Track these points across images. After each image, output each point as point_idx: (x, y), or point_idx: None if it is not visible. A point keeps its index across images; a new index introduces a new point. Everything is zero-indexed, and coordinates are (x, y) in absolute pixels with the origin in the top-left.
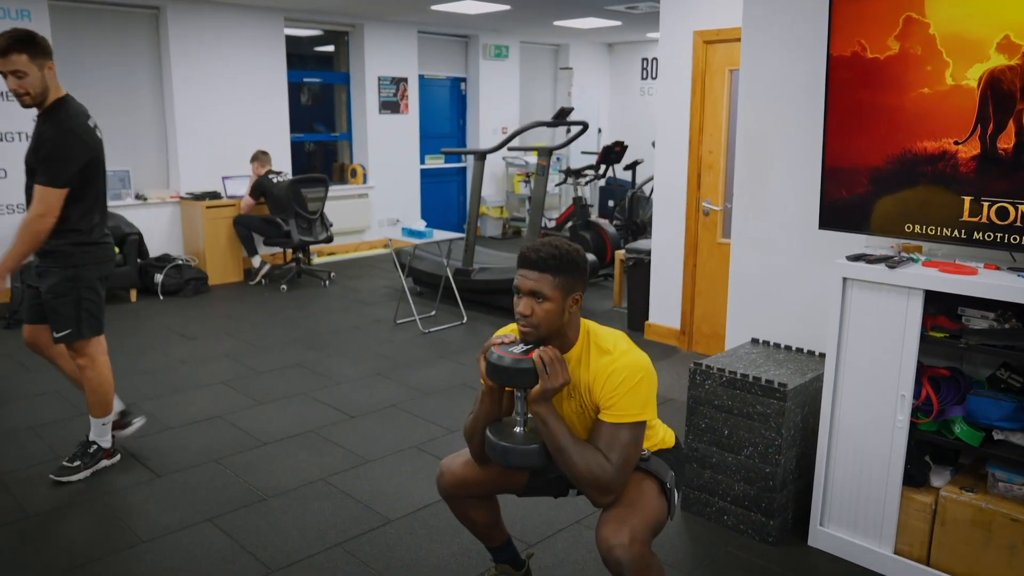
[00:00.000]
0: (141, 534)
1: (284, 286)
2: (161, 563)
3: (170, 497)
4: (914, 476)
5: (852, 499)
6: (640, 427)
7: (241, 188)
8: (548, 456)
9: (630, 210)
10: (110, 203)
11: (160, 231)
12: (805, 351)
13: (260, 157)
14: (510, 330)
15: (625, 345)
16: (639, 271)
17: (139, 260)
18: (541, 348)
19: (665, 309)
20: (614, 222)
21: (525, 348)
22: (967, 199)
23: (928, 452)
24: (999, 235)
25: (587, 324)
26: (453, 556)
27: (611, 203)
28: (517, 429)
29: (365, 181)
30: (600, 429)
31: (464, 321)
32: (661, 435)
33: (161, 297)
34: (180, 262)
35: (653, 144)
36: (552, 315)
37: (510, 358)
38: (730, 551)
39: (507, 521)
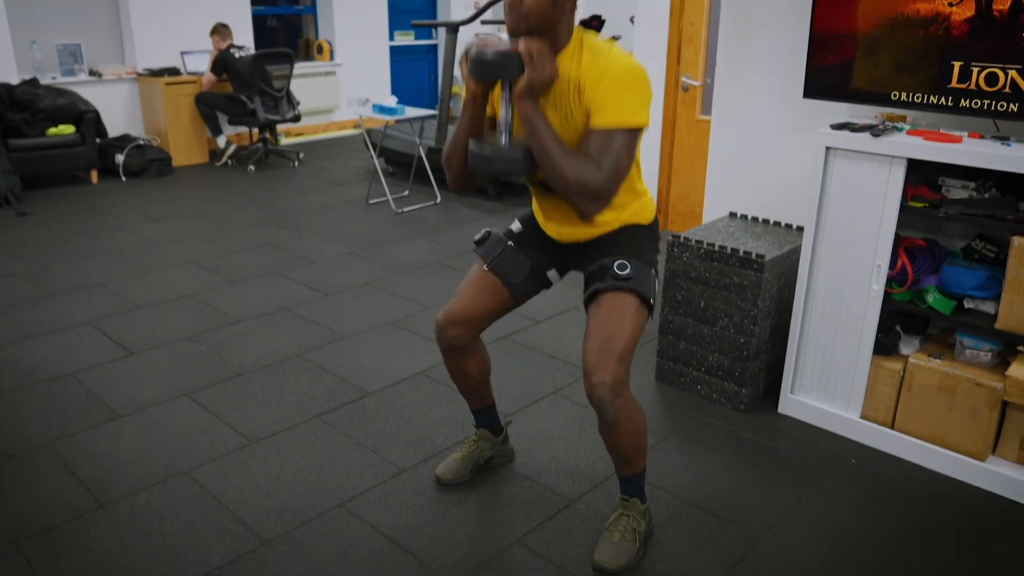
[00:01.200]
0: (118, 409)
1: (252, 167)
2: (141, 436)
3: (145, 373)
4: (884, 345)
5: (823, 367)
6: (634, 134)
7: (201, 64)
8: (534, 162)
9: None
10: (62, 79)
11: (118, 109)
12: (783, 224)
13: (220, 30)
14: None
15: (620, 51)
16: None
17: (98, 140)
18: (527, 39)
19: None
20: None
21: (511, 47)
22: (957, 64)
23: (899, 322)
24: (986, 102)
25: (581, 30)
26: (432, 426)
27: None
28: (502, 139)
29: (332, 58)
30: (591, 136)
31: (438, 201)
32: (643, 202)
33: (124, 178)
34: (142, 142)
35: (632, 19)
36: (543, 5)
37: (493, 51)
38: (702, 418)
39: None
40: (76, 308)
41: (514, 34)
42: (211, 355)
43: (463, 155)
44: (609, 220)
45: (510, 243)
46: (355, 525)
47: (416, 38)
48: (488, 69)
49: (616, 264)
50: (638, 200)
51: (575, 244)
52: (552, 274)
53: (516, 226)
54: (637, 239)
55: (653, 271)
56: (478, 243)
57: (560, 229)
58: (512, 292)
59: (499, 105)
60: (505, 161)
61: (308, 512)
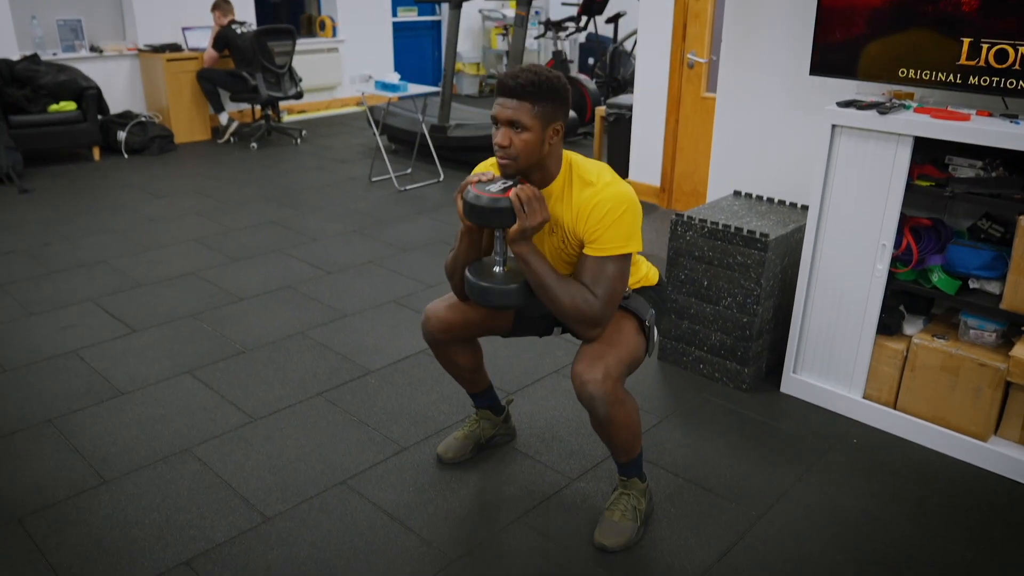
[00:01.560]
0: (121, 386)
1: (254, 144)
2: (144, 413)
3: (148, 351)
4: (888, 325)
5: (826, 347)
6: (626, 260)
7: (203, 40)
8: (529, 295)
9: (611, 66)
10: (62, 55)
11: (119, 86)
12: (788, 203)
13: (221, 6)
14: (489, 165)
15: (609, 176)
16: (620, 127)
17: (100, 116)
18: (519, 187)
19: (645, 166)
20: (595, 79)
21: (503, 186)
22: (966, 41)
23: (903, 302)
24: (995, 79)
25: (569, 156)
26: (433, 404)
27: (592, 60)
28: (496, 269)
29: (334, 34)
30: (585, 263)
31: (441, 179)
32: (644, 271)
33: (126, 155)
34: (143, 119)
35: None
36: (531, 146)
37: (487, 197)
38: (705, 397)
39: (488, 372)
40: (78, 285)
41: (505, 175)
42: (213, 333)
43: (462, 278)
44: None
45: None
46: (356, 502)
47: (419, 14)
48: (480, 217)
49: None
50: (638, 272)
51: None
52: (558, 329)
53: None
54: (644, 292)
55: (652, 311)
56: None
57: None
58: (514, 324)
59: (494, 235)
60: (500, 295)
61: (310, 489)
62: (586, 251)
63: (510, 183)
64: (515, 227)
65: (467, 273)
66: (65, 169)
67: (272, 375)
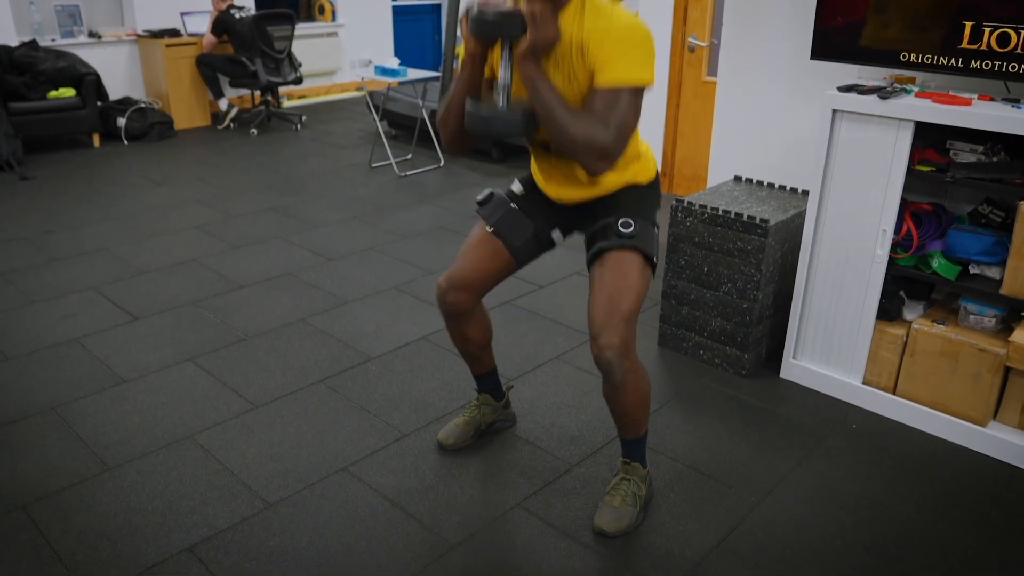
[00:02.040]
0: (123, 374)
1: (254, 130)
2: (146, 400)
3: (150, 339)
4: (888, 310)
5: (826, 332)
6: (639, 94)
7: (202, 25)
8: (534, 123)
9: None
10: (61, 41)
11: (119, 72)
12: (788, 188)
13: None
14: None
15: (623, 10)
16: None
17: (99, 103)
18: (531, 1)
19: None
20: None
21: (513, 7)
22: (968, 24)
23: (903, 287)
24: (997, 63)
25: None
26: (434, 390)
27: None
28: (500, 100)
29: (334, 19)
30: (596, 95)
31: (441, 164)
32: (643, 151)
33: (126, 142)
34: (143, 105)
35: None
36: None
37: (495, 10)
38: (705, 383)
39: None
40: (80, 273)
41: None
42: (215, 320)
43: (459, 115)
44: (611, 181)
45: (513, 204)
46: (358, 488)
47: None
48: (489, 28)
49: (620, 222)
50: (638, 160)
51: (576, 205)
52: (556, 235)
53: (517, 187)
54: (639, 197)
55: (655, 229)
56: (481, 203)
57: (560, 191)
58: (515, 254)
59: (498, 66)
60: (503, 122)
61: (311, 476)
62: (597, 82)
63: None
64: (525, 41)
65: (467, 106)
66: (65, 156)
67: (273, 362)
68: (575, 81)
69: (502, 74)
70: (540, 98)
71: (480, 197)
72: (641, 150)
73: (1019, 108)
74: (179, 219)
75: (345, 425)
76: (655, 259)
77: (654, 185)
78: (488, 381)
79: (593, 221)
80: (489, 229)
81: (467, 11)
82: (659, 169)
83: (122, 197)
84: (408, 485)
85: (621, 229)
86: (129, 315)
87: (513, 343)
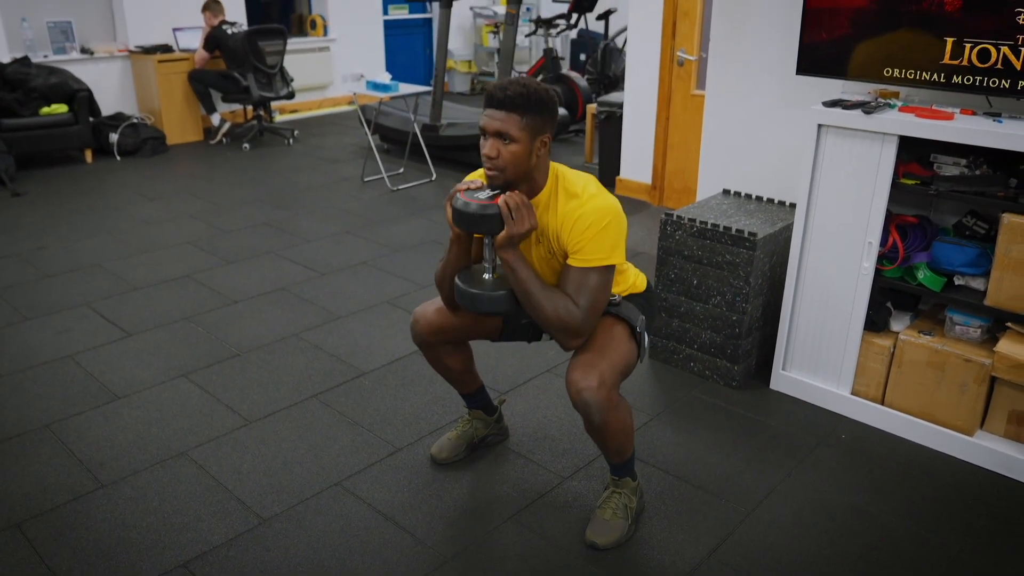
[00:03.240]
0: (117, 390)
1: (246, 145)
2: (139, 417)
3: (143, 354)
4: (875, 321)
5: (815, 344)
6: (608, 271)
7: (194, 41)
8: (517, 302)
9: (602, 63)
10: (53, 57)
11: (111, 88)
12: (776, 201)
13: (212, 6)
14: (478, 175)
15: (594, 188)
16: (611, 125)
17: (91, 118)
18: (507, 193)
19: (637, 164)
20: (586, 76)
21: (491, 193)
22: (950, 40)
23: (890, 298)
24: (978, 78)
25: (556, 168)
26: (427, 405)
27: (583, 56)
28: (486, 276)
29: (326, 33)
30: (568, 274)
31: (433, 178)
32: (632, 279)
33: (118, 157)
34: (135, 120)
35: None
36: (519, 157)
37: (476, 204)
38: (695, 395)
39: (480, 371)
40: (73, 289)
41: (492, 186)
42: (208, 336)
43: (451, 285)
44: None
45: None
46: (352, 503)
47: (410, 12)
48: (469, 223)
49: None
50: (625, 281)
51: None
52: (546, 336)
53: None
54: (633, 299)
55: (642, 317)
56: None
57: None
58: (499, 331)
59: (483, 245)
60: (489, 302)
61: (305, 491)
62: (570, 261)
63: (498, 191)
64: (503, 233)
65: (456, 280)
66: (58, 172)
67: (266, 377)
68: (555, 257)
69: (486, 253)
70: (518, 279)
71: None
72: (624, 270)
73: (1000, 122)
74: (172, 234)
75: (338, 440)
76: (639, 330)
77: (647, 293)
78: (477, 399)
79: None
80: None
81: (450, 196)
82: (649, 283)
83: (115, 212)
84: (401, 499)
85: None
86: (122, 331)
87: (503, 356)
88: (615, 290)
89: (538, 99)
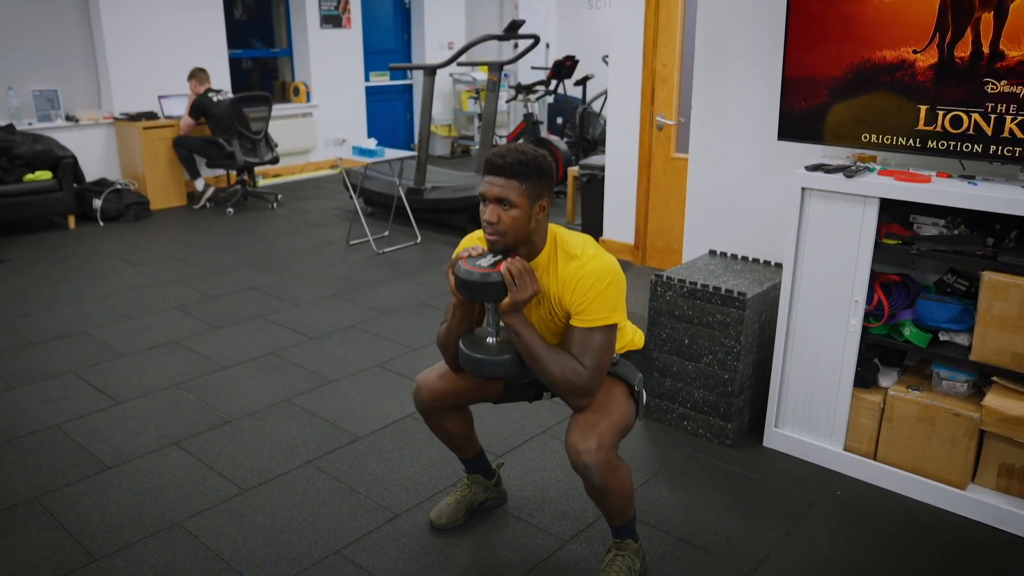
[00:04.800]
0: (107, 460)
1: (230, 209)
2: (131, 487)
3: (133, 423)
4: (864, 377)
5: (806, 401)
6: (612, 330)
7: (179, 108)
8: (521, 365)
9: (581, 126)
10: (38, 124)
11: (95, 154)
12: (762, 261)
13: (198, 74)
14: (476, 238)
15: (593, 249)
16: (592, 187)
17: (75, 185)
18: (509, 260)
19: (619, 225)
20: (564, 139)
21: (493, 260)
22: (923, 108)
23: (878, 355)
24: (952, 143)
25: (554, 229)
26: (423, 469)
27: (560, 120)
28: (490, 340)
29: (308, 99)
30: (572, 334)
31: (418, 241)
32: (630, 336)
33: (101, 223)
34: (119, 186)
35: (605, 60)
36: (519, 222)
37: (479, 272)
38: (690, 454)
39: (477, 435)
40: (59, 357)
41: (494, 251)
42: (199, 402)
43: (455, 349)
44: None
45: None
46: (352, 572)
47: (392, 79)
48: (473, 291)
49: None
50: (624, 337)
51: None
52: (547, 394)
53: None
54: (630, 357)
55: (640, 376)
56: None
57: None
58: (501, 393)
59: (486, 310)
60: (494, 366)
61: (304, 560)
62: (573, 322)
63: (499, 257)
64: (507, 300)
65: (461, 345)
66: (40, 238)
67: (260, 444)
68: (555, 317)
69: (489, 317)
70: (523, 343)
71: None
72: (623, 327)
73: (975, 184)
74: (158, 300)
75: (336, 507)
76: (637, 389)
77: (644, 352)
78: (476, 463)
79: None
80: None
81: (452, 262)
82: (646, 339)
83: (99, 278)
84: (402, 567)
85: None
86: (111, 399)
87: (499, 419)
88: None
89: (536, 165)
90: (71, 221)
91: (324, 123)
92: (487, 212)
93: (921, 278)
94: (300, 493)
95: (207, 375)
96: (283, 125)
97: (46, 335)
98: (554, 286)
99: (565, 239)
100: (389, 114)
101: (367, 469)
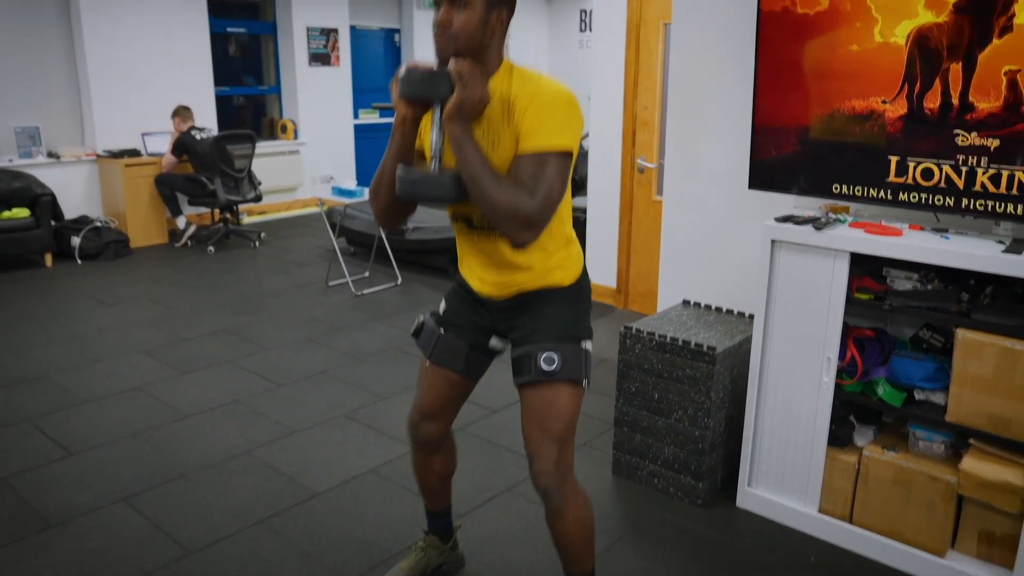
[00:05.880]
0: (50, 517)
1: (211, 248)
2: (71, 548)
3: (84, 476)
4: (839, 436)
5: (779, 460)
6: (566, 158)
7: (162, 145)
8: (463, 188)
9: None
10: (19, 161)
11: (76, 191)
12: (735, 312)
13: (181, 112)
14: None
15: (550, 78)
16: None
17: (53, 222)
18: (458, 60)
19: (600, 268)
20: None
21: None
22: (894, 159)
23: (852, 412)
24: (924, 196)
25: (510, 62)
26: (379, 530)
27: None
28: (432, 165)
29: (296, 137)
30: (521, 161)
31: (398, 283)
32: (571, 251)
33: (79, 261)
34: (99, 224)
35: (589, 98)
36: (472, 26)
37: (423, 71)
38: (660, 514)
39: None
40: (17, 403)
41: (442, 56)
42: (154, 454)
43: (390, 185)
44: (533, 264)
45: (441, 330)
46: None
47: (380, 116)
48: (417, 87)
49: (543, 357)
50: (566, 248)
51: (500, 305)
52: (495, 342)
53: (443, 306)
54: (563, 313)
55: (583, 344)
56: (415, 335)
57: (482, 276)
58: (464, 375)
59: (428, 136)
60: (433, 185)
61: None
62: (522, 148)
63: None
64: (453, 99)
65: (398, 171)
66: (14, 276)
67: (212, 501)
68: (501, 146)
69: (433, 138)
70: (466, 160)
71: (413, 329)
72: (568, 236)
73: (947, 238)
74: (127, 342)
75: (284, 571)
76: (584, 379)
77: (579, 288)
78: (440, 520)
79: (517, 331)
80: (428, 362)
81: (396, 75)
82: (584, 264)
83: (69, 319)
84: None
85: (544, 367)
86: (64, 450)
87: (463, 474)
88: (553, 270)
89: None
90: (48, 259)
91: (311, 161)
92: (439, 14)
93: (897, 332)
94: (247, 556)
95: (167, 424)
96: (269, 162)
97: (7, 380)
98: (505, 98)
99: (521, 69)
100: (377, 152)
101: (321, 529)
